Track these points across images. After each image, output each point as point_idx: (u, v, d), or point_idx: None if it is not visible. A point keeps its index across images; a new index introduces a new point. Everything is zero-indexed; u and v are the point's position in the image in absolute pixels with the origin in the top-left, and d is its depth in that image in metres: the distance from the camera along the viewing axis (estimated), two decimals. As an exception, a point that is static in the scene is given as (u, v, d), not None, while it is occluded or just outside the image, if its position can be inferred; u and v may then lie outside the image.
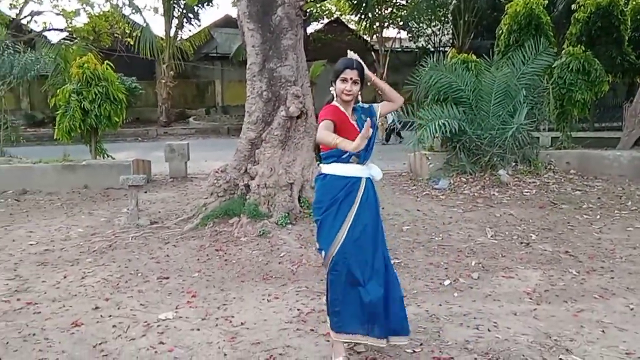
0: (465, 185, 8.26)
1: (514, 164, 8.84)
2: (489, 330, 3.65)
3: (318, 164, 7.47)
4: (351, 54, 3.23)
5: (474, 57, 10.02)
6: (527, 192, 7.87)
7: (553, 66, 10.02)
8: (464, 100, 8.94)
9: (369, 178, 3.19)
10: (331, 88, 3.18)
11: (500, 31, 11.17)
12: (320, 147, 3.24)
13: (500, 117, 8.74)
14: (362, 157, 3.13)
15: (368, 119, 3.00)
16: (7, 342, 3.55)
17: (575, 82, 10.01)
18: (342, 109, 3.15)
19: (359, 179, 3.14)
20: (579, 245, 5.56)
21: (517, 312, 3.96)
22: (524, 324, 3.74)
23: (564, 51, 10.52)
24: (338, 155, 3.10)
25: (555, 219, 6.56)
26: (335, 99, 3.18)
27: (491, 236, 5.92)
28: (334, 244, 3.08)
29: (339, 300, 3.10)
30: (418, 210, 7.09)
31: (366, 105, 3.30)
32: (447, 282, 4.57)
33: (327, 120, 3.02)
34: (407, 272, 4.84)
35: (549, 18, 10.84)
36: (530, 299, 4.22)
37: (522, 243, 5.68)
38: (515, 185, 8.13)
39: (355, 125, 3.14)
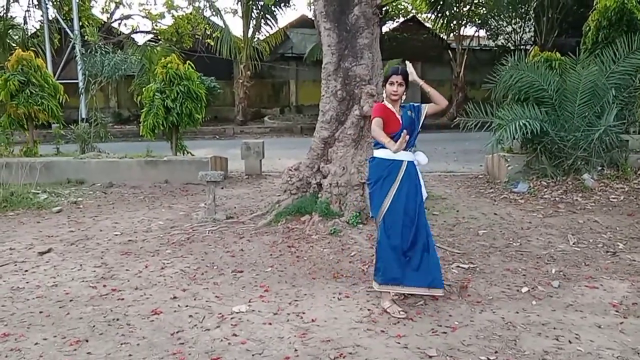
0: (545, 190, 7.89)
1: (599, 168, 8.35)
2: (569, 342, 3.47)
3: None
4: (409, 66, 4.20)
5: (558, 55, 9.54)
6: (614, 198, 7.40)
7: (647, 64, 9.35)
8: (546, 100, 8.53)
9: (411, 161, 4.01)
10: (383, 93, 4.13)
11: (588, 28, 10.57)
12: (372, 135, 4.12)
13: (586, 118, 8.27)
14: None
15: (405, 131, 3.75)
16: (94, 326, 3.78)
17: (671, 82, 9.29)
18: (389, 106, 4.03)
19: (401, 161, 3.96)
20: (673, 257, 5.16)
21: (601, 324, 3.73)
22: (609, 337, 3.52)
23: (659, 48, 9.79)
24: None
25: (645, 228, 6.13)
26: (385, 99, 4.08)
27: (573, 243, 5.62)
28: (380, 212, 3.97)
29: (382, 259, 3.98)
30: (495, 214, 6.85)
31: (416, 105, 4.16)
32: (524, 290, 4.39)
33: (377, 118, 3.95)
34: (483, 277, 4.69)
35: (642, 13, 10.14)
36: (617, 311, 3.96)
37: (607, 252, 5.35)
38: (600, 191, 7.68)
39: (400, 120, 4.01)
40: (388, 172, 3.96)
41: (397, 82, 3.96)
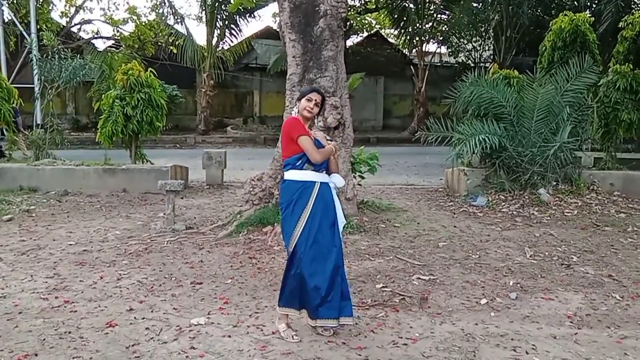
0: (503, 203, 8.07)
1: (555, 183, 8.60)
2: (527, 352, 3.53)
3: (354, 176, 7.46)
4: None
5: (516, 73, 9.83)
6: (568, 212, 7.64)
7: (599, 84, 9.74)
8: (504, 116, 8.76)
9: (325, 183, 3.74)
10: (294, 108, 3.89)
11: (544, 48, 10.91)
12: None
13: (542, 135, 8.53)
14: (316, 166, 3.69)
15: (332, 141, 3.83)
16: (44, 339, 3.62)
17: (621, 101, 9.69)
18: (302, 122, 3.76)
19: (313, 182, 3.70)
20: (623, 269, 5.34)
21: (556, 335, 3.81)
22: (564, 348, 3.60)
23: (610, 69, 10.21)
24: (293, 164, 3.72)
25: (597, 241, 6.34)
26: (297, 114, 3.81)
27: (530, 256, 5.76)
28: (291, 241, 3.66)
29: (289, 286, 3.69)
30: (455, 226, 6.96)
31: (320, 139, 3.83)
32: (483, 301, 4.45)
33: (305, 137, 3.67)
34: (443, 289, 4.74)
35: (594, 35, 10.56)
36: (571, 322, 4.07)
37: (562, 264, 5.49)
38: (555, 205, 7.90)
39: (313, 139, 3.74)
40: (299, 196, 3.66)
41: (315, 100, 3.74)
